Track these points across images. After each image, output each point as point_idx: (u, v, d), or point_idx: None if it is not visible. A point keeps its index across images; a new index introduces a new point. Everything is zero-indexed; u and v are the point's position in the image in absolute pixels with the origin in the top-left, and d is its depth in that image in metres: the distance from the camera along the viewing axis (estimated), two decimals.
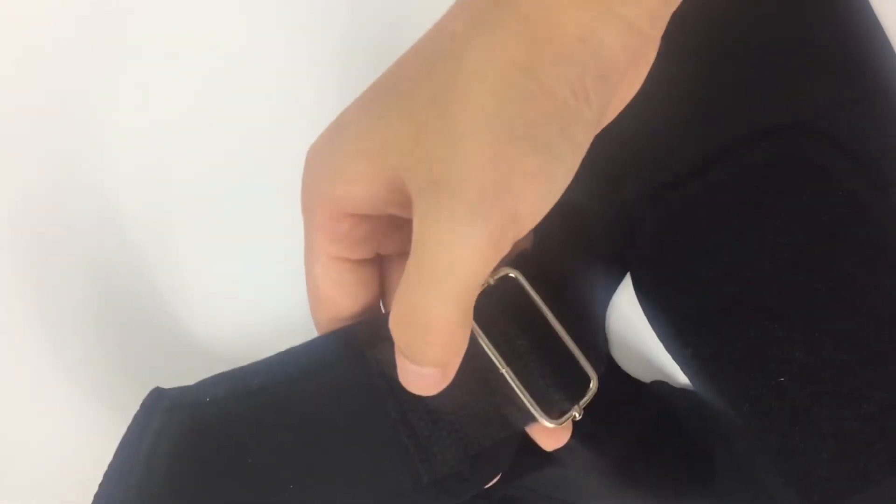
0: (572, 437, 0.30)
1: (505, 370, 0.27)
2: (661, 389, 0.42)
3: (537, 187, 0.22)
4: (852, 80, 0.36)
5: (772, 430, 0.36)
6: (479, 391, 0.27)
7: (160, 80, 0.42)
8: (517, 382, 0.27)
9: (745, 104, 0.37)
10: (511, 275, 0.27)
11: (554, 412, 0.28)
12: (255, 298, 0.40)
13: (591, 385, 0.28)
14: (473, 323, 0.25)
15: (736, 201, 0.36)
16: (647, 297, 0.38)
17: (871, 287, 0.35)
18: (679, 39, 0.37)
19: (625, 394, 0.41)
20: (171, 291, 0.41)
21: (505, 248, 0.23)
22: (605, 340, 0.40)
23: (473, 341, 0.26)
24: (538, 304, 0.28)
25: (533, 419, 0.28)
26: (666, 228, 0.37)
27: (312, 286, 0.27)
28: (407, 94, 0.23)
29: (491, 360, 0.27)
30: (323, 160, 0.24)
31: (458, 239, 0.22)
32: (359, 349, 0.27)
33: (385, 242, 0.28)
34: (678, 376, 0.40)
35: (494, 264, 0.23)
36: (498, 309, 0.27)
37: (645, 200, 0.38)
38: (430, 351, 0.24)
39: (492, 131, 0.22)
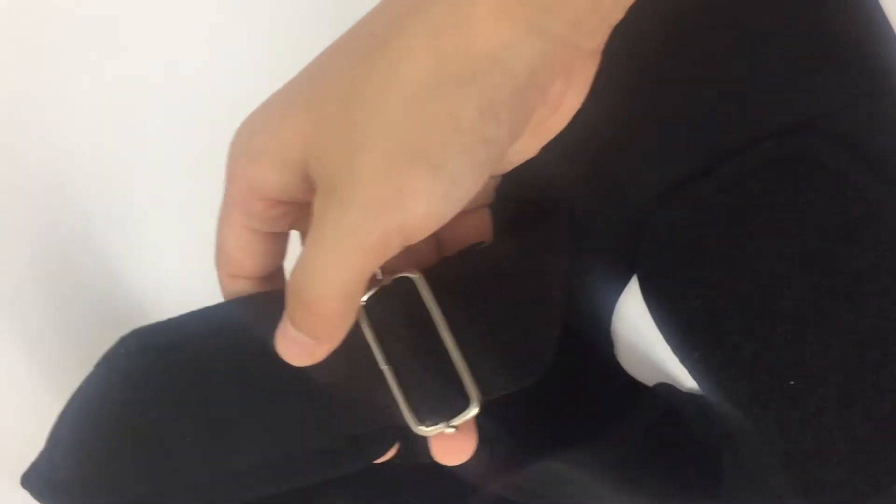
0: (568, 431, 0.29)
1: (385, 367, 0.27)
2: (666, 392, 0.41)
3: (428, 205, 0.23)
4: (860, 78, 0.36)
5: (781, 435, 0.35)
6: (367, 378, 0.27)
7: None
8: (394, 380, 0.27)
9: (752, 104, 0.36)
10: (412, 277, 0.27)
11: (429, 420, 0.27)
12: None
13: (471, 406, 0.27)
14: (363, 315, 0.26)
15: (744, 202, 0.36)
16: (655, 299, 0.37)
17: (883, 287, 0.35)
18: (685, 37, 0.37)
19: (627, 395, 0.41)
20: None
21: (390, 252, 0.24)
22: (611, 343, 0.40)
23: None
24: (433, 314, 0.27)
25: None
26: (673, 230, 0.37)
27: (221, 244, 0.28)
28: (319, 90, 0.24)
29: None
30: (245, 142, 0.25)
31: (342, 243, 0.23)
32: (261, 316, 0.27)
33: (300, 222, 0.28)
34: (684, 380, 0.39)
35: (377, 265, 0.24)
36: (403, 310, 0.27)
37: (652, 202, 0.37)
38: (309, 322, 0.25)
39: (389, 147, 0.22)
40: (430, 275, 0.27)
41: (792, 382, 0.35)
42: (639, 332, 0.39)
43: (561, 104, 0.26)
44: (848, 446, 0.35)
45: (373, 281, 0.27)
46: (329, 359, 0.26)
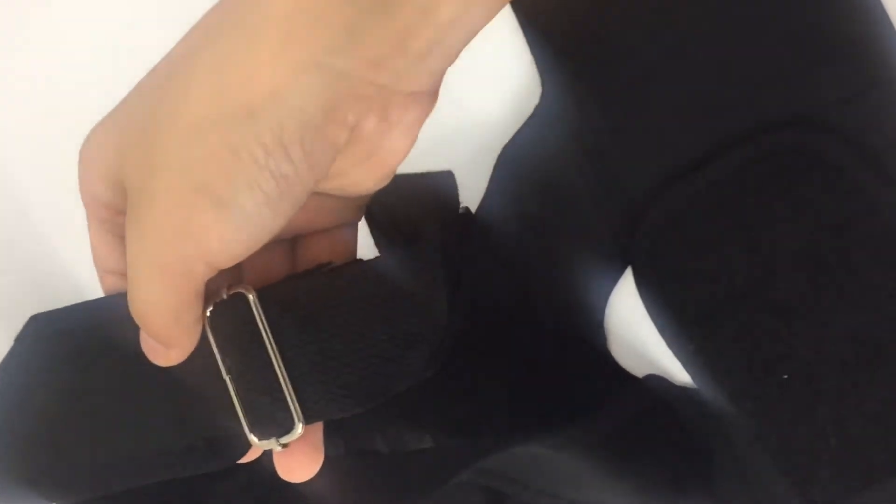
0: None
1: (227, 377, 0.27)
2: (657, 384, 0.41)
3: (220, 237, 0.23)
4: (859, 72, 0.35)
5: (774, 429, 0.35)
6: (213, 386, 0.27)
7: None
8: (234, 392, 0.27)
9: (750, 97, 0.36)
10: (247, 295, 0.26)
11: (262, 435, 0.27)
12: None
13: (295, 427, 0.26)
14: (208, 325, 0.26)
15: (741, 195, 0.36)
16: (650, 292, 0.37)
17: (879, 282, 0.35)
18: (683, 30, 0.36)
19: (616, 383, 0.41)
20: None
21: (199, 277, 0.24)
22: (604, 335, 0.39)
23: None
24: (262, 332, 0.26)
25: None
26: (669, 222, 0.36)
27: (91, 243, 0.28)
28: (130, 108, 0.24)
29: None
30: (83, 154, 0.26)
31: (145, 267, 0.24)
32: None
33: None
34: (677, 373, 0.39)
35: (190, 288, 0.24)
36: (240, 325, 0.27)
37: (647, 194, 0.37)
38: (151, 331, 0.26)
39: (174, 178, 0.23)
40: (266, 292, 0.27)
41: (785, 376, 0.35)
42: (632, 325, 0.39)
43: (383, 144, 0.25)
44: (841, 441, 0.35)
45: (215, 293, 0.27)
46: (185, 362, 0.26)
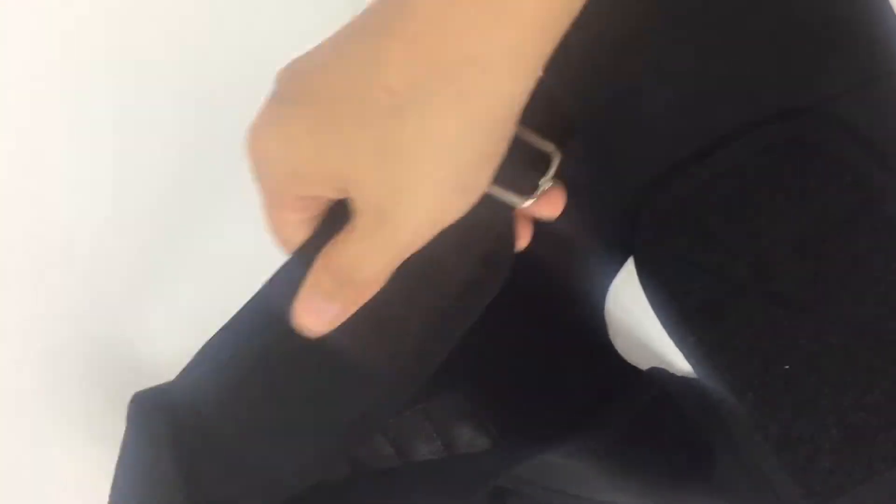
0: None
1: None
2: (659, 376, 0.41)
3: (458, 215, 0.27)
4: (861, 64, 0.35)
5: (775, 420, 0.35)
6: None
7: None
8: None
9: (752, 88, 0.36)
10: None
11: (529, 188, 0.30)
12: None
13: (552, 160, 0.30)
14: None
15: (744, 186, 0.36)
16: (651, 282, 0.37)
17: (880, 273, 0.35)
18: (688, 22, 0.36)
19: (620, 377, 0.41)
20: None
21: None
22: (604, 325, 0.40)
23: None
24: None
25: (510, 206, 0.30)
26: (671, 213, 0.36)
27: (274, 234, 0.31)
28: (346, 135, 0.26)
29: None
30: (283, 160, 0.28)
31: (392, 249, 0.28)
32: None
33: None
34: (678, 363, 0.39)
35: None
36: None
37: (650, 184, 0.37)
38: (349, 296, 0.29)
39: (433, 188, 0.26)
40: None
41: (787, 367, 0.35)
42: (633, 316, 0.39)
43: None
44: (841, 433, 0.35)
45: None
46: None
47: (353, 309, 0.29)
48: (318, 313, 0.29)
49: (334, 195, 0.28)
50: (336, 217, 0.29)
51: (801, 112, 0.35)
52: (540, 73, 0.26)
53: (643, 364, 0.40)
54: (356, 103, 0.26)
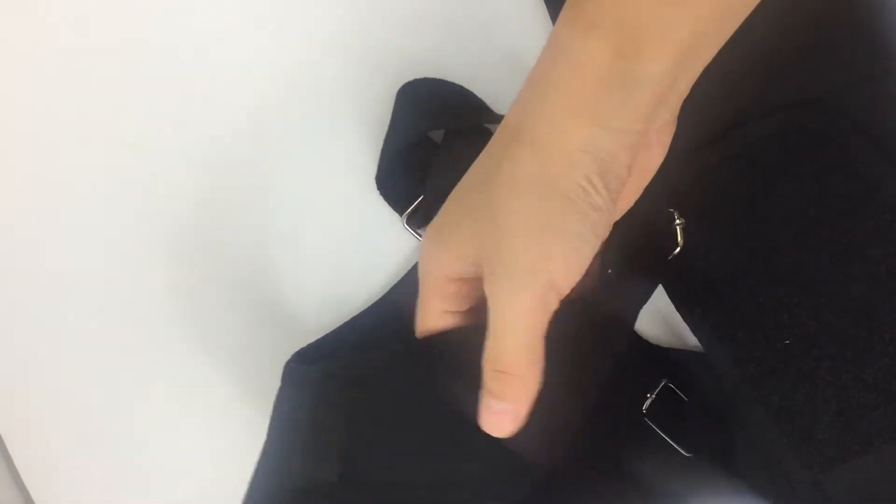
0: None
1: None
2: (675, 356, 0.43)
3: (565, 261, 0.30)
4: (866, 60, 0.37)
5: (775, 391, 0.37)
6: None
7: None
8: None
9: (763, 80, 0.38)
10: None
11: None
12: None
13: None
14: None
15: (750, 170, 0.38)
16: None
17: (879, 257, 0.37)
18: None
19: (639, 356, 0.43)
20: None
21: (552, 306, 0.30)
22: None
23: None
24: None
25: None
26: (683, 194, 0.38)
27: (420, 323, 0.35)
28: (470, 207, 0.32)
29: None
30: (435, 248, 0.33)
31: (515, 303, 0.30)
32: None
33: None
34: (690, 339, 0.41)
35: (546, 319, 0.30)
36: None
37: (662, 168, 0.39)
38: (507, 386, 0.31)
39: (525, 229, 0.30)
40: None
41: (787, 342, 0.37)
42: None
43: (648, 166, 0.33)
44: (840, 406, 0.37)
45: None
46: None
47: (521, 401, 0.31)
48: (496, 416, 0.32)
49: (470, 270, 0.32)
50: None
51: (808, 102, 0.38)
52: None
53: (656, 338, 0.42)
54: (474, 181, 0.31)
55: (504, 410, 0.32)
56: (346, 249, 0.44)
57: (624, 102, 0.29)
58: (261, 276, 0.44)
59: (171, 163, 0.45)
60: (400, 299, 0.42)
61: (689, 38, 0.28)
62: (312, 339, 0.41)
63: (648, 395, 0.41)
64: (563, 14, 0.30)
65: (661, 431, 0.41)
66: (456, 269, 0.32)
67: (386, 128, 0.43)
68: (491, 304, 0.31)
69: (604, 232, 0.31)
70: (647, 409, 0.41)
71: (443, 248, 0.32)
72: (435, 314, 0.34)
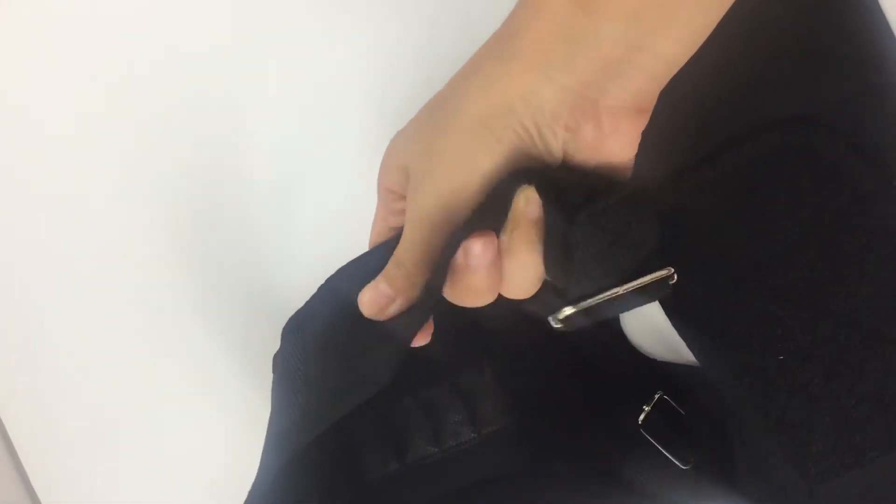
0: None
1: None
2: (671, 369, 0.43)
3: (466, 190, 0.32)
4: (857, 77, 0.38)
5: (771, 403, 0.38)
6: None
7: None
8: None
9: (757, 98, 0.39)
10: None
11: None
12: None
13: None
14: None
15: (744, 187, 0.38)
16: None
17: (872, 271, 0.37)
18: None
19: (633, 368, 0.43)
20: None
21: (448, 221, 0.32)
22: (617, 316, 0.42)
23: None
24: None
25: None
26: (676, 210, 0.39)
27: (373, 240, 0.38)
28: (418, 125, 0.34)
29: None
30: (385, 156, 0.35)
31: (415, 205, 0.32)
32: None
33: None
34: (686, 353, 0.41)
35: (442, 229, 0.32)
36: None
37: (662, 182, 0.39)
38: (395, 274, 0.34)
39: (449, 153, 0.31)
40: None
41: (781, 357, 0.38)
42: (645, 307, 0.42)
43: (604, 149, 0.32)
44: (835, 418, 0.37)
45: None
46: None
47: (401, 291, 0.33)
48: (374, 292, 0.34)
49: (401, 179, 0.34)
50: None
51: (800, 120, 0.38)
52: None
53: (656, 354, 0.43)
54: (431, 102, 0.33)
55: (384, 294, 0.33)
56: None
57: (572, 56, 0.29)
58: (268, 272, 0.45)
59: (184, 163, 0.46)
60: None
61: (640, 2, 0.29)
62: None
63: (644, 407, 0.42)
64: None
65: (658, 443, 0.42)
66: (392, 178, 0.34)
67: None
68: (407, 205, 0.33)
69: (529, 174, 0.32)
70: (642, 421, 0.42)
71: (386, 157, 0.35)
72: (382, 227, 0.36)
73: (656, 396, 0.42)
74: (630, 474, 0.42)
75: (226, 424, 0.45)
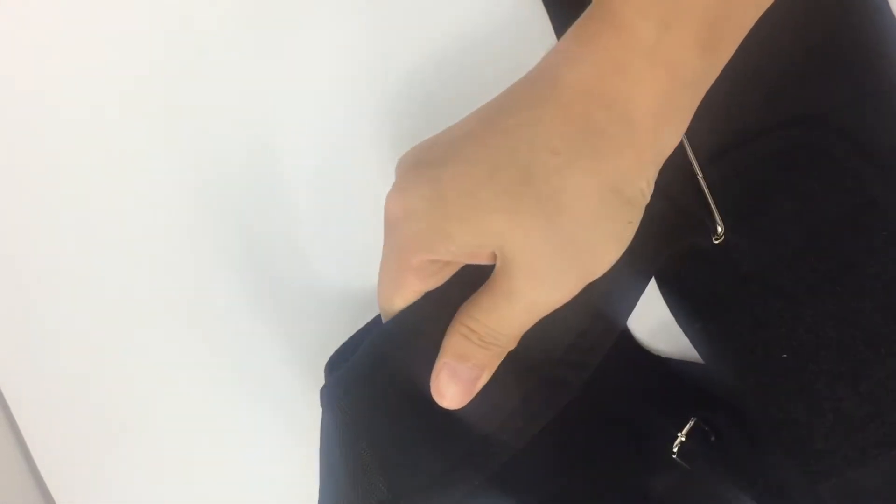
0: None
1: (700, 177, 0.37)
2: (677, 367, 0.43)
3: (608, 264, 0.31)
4: (866, 77, 0.38)
5: (773, 401, 0.38)
6: None
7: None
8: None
9: (765, 97, 0.39)
10: None
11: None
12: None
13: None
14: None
15: (749, 187, 0.38)
16: (662, 272, 0.40)
17: (876, 273, 0.37)
18: None
19: (639, 366, 0.43)
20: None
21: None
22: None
23: None
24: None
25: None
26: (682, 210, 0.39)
27: (386, 298, 0.33)
28: (509, 193, 0.28)
29: None
30: (428, 222, 0.29)
31: (546, 300, 0.30)
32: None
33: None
34: (691, 351, 0.42)
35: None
36: None
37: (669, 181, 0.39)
38: (490, 355, 0.32)
39: (584, 229, 0.29)
40: None
41: (785, 356, 0.38)
42: (649, 301, 0.42)
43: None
44: (837, 417, 0.37)
45: None
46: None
47: (487, 370, 0.31)
48: (458, 382, 0.31)
49: (468, 259, 0.30)
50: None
51: (808, 120, 0.38)
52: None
53: (661, 350, 0.43)
54: (520, 165, 0.28)
55: (471, 378, 0.31)
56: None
57: (691, 102, 0.29)
58: (285, 274, 0.45)
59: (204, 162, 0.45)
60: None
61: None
62: (336, 336, 0.41)
63: (679, 435, 0.40)
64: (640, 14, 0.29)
65: (694, 470, 0.40)
66: (455, 252, 0.30)
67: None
68: (512, 285, 0.30)
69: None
70: (677, 449, 0.40)
71: (448, 228, 0.29)
72: (404, 295, 0.32)
73: (690, 423, 0.40)
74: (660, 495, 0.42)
75: (243, 425, 0.45)
